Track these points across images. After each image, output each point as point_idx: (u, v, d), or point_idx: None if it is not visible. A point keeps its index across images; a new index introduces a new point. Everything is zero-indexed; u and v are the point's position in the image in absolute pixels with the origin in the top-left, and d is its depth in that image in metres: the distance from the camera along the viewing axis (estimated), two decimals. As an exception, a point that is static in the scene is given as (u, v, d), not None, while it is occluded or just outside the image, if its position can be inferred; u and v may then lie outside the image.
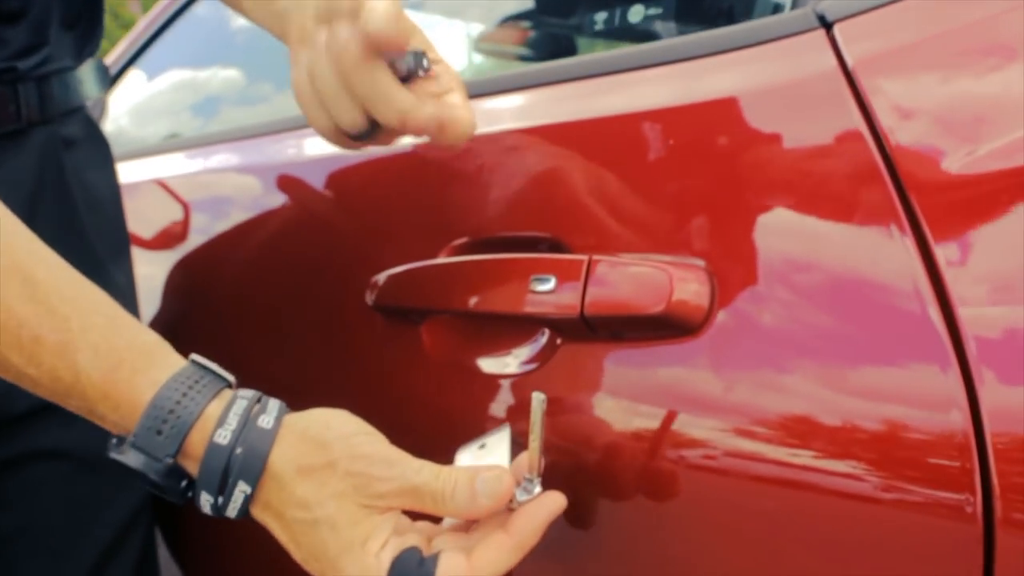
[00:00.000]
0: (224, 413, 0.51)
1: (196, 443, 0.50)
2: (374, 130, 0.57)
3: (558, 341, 0.59)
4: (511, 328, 0.62)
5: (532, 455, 0.50)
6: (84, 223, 0.82)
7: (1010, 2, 0.47)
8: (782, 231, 0.51)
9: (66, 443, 0.81)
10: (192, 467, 0.51)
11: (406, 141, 0.67)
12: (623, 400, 0.55)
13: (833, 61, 0.51)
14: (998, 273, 0.44)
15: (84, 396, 0.51)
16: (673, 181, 0.56)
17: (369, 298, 0.72)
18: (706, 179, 0.54)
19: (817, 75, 0.51)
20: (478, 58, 1.18)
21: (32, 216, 0.68)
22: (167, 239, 1.07)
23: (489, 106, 0.69)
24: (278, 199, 0.90)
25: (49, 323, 0.50)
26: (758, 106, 0.54)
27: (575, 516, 0.55)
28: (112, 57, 1.58)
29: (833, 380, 0.47)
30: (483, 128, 0.61)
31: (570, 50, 1.00)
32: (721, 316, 0.51)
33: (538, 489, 0.51)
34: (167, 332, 0.56)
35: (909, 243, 0.45)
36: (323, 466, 0.50)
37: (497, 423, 0.60)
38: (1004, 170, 0.45)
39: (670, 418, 0.52)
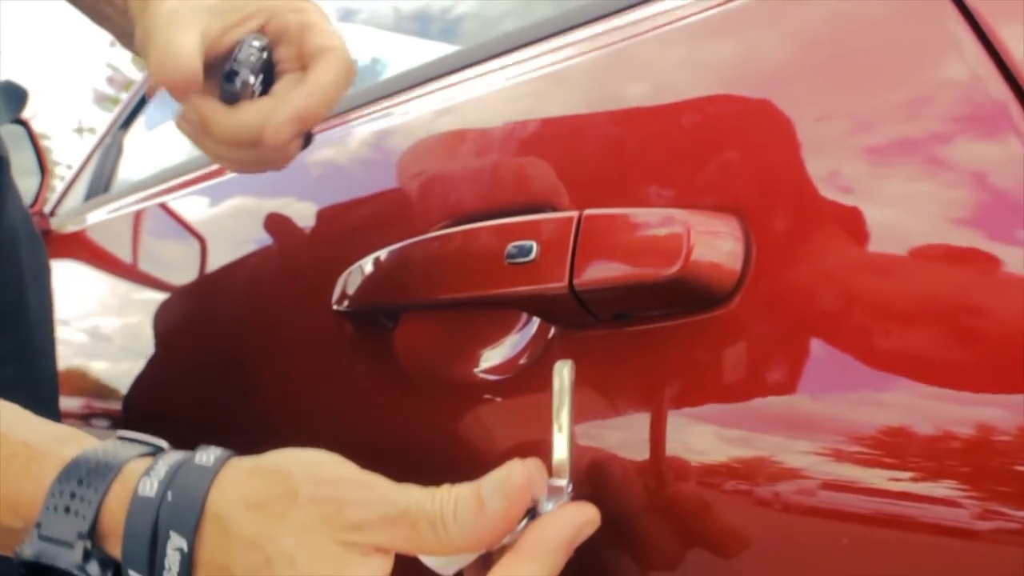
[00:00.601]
0: (152, 464, 0.40)
1: (116, 510, 0.39)
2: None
3: (551, 332, 0.45)
4: (493, 321, 0.48)
5: (559, 447, 0.38)
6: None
7: None
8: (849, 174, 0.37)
9: None
10: (115, 546, 0.39)
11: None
12: (632, 403, 0.41)
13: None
14: None
15: None
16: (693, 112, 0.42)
17: (336, 304, 0.59)
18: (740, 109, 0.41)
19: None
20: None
21: None
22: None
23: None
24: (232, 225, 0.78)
25: None
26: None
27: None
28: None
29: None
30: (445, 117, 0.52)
31: None
32: (760, 283, 0.38)
33: (569, 491, 0.38)
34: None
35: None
36: (281, 496, 0.38)
37: (486, 441, 0.46)
38: None
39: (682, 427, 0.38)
